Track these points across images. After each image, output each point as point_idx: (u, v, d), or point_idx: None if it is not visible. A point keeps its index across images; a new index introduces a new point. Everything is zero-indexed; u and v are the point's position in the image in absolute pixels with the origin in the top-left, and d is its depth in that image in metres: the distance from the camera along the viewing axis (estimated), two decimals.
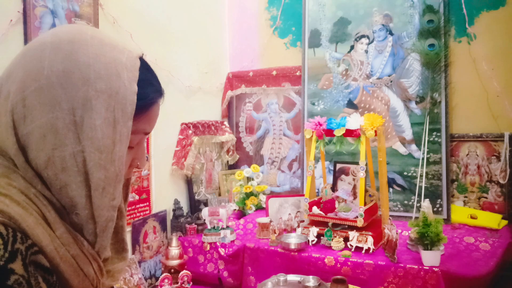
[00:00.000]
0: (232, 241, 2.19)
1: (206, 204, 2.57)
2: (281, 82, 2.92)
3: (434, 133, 2.39)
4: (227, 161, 3.00)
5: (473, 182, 2.38)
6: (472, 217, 2.22)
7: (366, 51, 2.61)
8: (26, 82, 0.56)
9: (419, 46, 2.43)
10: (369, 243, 1.90)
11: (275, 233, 2.10)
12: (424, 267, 1.72)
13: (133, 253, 2.09)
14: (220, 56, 3.11)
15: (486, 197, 2.34)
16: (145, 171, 2.24)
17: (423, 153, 2.39)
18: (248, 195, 2.70)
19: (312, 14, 2.76)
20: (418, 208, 2.28)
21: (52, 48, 0.57)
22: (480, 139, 2.36)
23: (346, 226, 2.00)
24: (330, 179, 2.39)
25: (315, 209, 2.05)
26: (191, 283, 2.01)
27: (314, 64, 2.74)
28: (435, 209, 2.29)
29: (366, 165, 1.98)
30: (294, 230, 2.25)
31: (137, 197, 2.18)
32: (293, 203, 2.44)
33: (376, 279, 1.78)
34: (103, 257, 0.62)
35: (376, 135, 1.99)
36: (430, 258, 1.73)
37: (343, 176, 2.29)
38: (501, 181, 2.29)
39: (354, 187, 2.21)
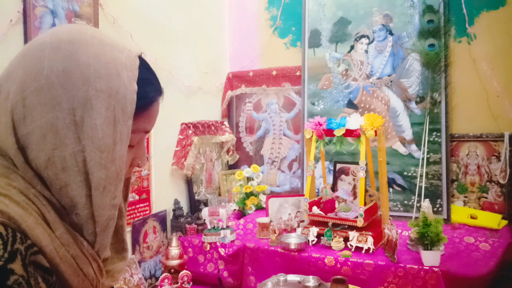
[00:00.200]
0: (232, 241, 2.19)
1: (206, 204, 2.57)
2: (281, 82, 2.92)
3: (434, 133, 2.39)
4: (227, 161, 3.00)
5: (473, 182, 2.38)
6: (472, 217, 2.22)
7: (366, 51, 2.61)
8: (26, 82, 0.56)
9: (419, 46, 2.43)
10: (369, 243, 1.90)
11: (275, 233, 2.10)
12: (424, 267, 1.72)
13: (133, 253, 2.09)
14: (220, 56, 3.10)
15: (486, 197, 2.34)
16: (145, 171, 2.24)
17: (423, 153, 2.38)
18: (248, 195, 2.70)
19: (312, 14, 2.76)
20: (418, 208, 2.28)
21: (52, 48, 0.57)
22: (480, 139, 2.36)
23: (346, 226, 2.00)
24: (330, 179, 2.39)
25: (315, 209, 2.05)
26: (191, 283, 2.01)
27: (314, 64, 2.74)
28: (435, 209, 2.29)
29: (366, 165, 1.98)
30: (294, 230, 2.25)
31: (137, 197, 2.18)
32: (293, 203, 2.44)
33: (376, 279, 1.78)
34: (103, 257, 0.62)
35: (376, 135, 1.99)
36: (430, 258, 1.73)
37: (343, 176, 2.29)
38: (501, 181, 2.29)
39: (354, 187, 2.21)
